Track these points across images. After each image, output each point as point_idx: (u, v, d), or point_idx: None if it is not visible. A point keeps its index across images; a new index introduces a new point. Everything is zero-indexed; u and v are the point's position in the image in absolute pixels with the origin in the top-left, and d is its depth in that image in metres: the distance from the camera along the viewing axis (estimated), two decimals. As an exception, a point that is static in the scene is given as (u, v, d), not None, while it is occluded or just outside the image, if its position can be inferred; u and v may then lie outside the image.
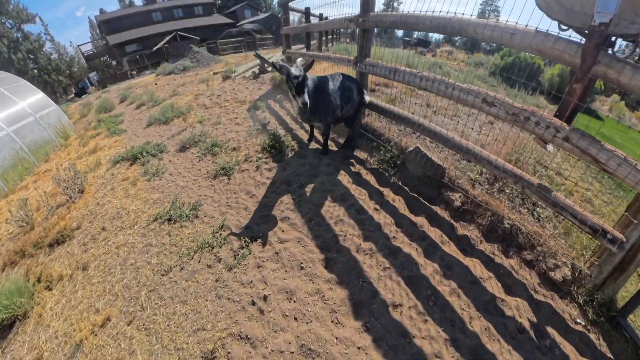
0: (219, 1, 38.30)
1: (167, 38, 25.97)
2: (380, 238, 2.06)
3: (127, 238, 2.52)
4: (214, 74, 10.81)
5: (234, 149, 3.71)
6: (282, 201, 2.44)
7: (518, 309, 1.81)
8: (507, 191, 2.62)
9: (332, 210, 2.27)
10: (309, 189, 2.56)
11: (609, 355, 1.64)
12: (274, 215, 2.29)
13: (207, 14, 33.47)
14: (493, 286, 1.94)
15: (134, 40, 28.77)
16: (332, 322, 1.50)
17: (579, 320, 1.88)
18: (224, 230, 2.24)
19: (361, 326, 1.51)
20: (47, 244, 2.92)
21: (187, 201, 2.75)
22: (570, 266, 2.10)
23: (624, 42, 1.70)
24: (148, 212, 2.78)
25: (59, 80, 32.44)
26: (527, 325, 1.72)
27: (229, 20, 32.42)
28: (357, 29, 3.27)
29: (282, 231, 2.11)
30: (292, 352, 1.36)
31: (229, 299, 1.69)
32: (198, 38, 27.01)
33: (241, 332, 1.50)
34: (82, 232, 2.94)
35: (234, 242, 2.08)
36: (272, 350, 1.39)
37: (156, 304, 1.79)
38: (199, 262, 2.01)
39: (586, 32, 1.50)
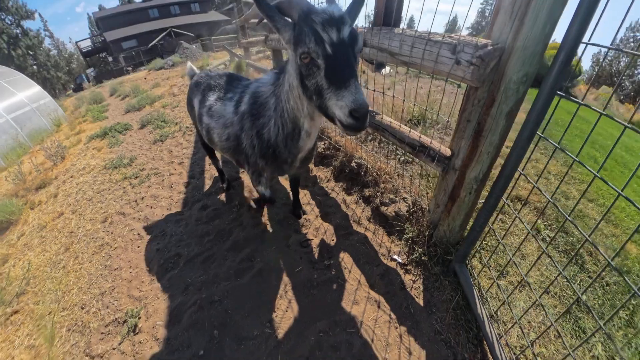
0: (216, -2, 39.45)
1: (162, 35, 27.37)
2: (232, 172, 3.28)
3: (85, 178, 3.83)
4: (198, 68, 12.06)
5: (176, 123, 5.01)
6: (185, 153, 3.72)
7: (317, 230, 2.04)
8: (380, 138, 2.81)
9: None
10: (207, 146, 3.84)
11: (418, 300, 1.52)
12: (174, 161, 3.58)
13: (203, 11, 34.73)
14: (304, 208, 2.27)
15: (131, 37, 30.09)
16: (167, 208, 2.71)
17: (395, 257, 1.74)
18: (141, 171, 3.53)
19: (177, 213, 2.65)
20: (34, 188, 4.25)
21: (129, 156, 4.05)
22: (410, 203, 1.99)
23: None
24: (102, 164, 4.09)
25: (58, 76, 33.77)
26: (315, 243, 1.96)
27: (225, 17, 33.59)
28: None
29: (174, 169, 3.39)
30: (140, 219, 2.60)
31: (124, 199, 2.98)
32: (192, 35, 28.39)
33: (122, 211, 2.79)
34: (57, 180, 4.26)
35: (142, 175, 3.38)
36: (133, 218, 2.65)
37: (88, 204, 3.10)
38: (119, 185, 3.30)
39: None
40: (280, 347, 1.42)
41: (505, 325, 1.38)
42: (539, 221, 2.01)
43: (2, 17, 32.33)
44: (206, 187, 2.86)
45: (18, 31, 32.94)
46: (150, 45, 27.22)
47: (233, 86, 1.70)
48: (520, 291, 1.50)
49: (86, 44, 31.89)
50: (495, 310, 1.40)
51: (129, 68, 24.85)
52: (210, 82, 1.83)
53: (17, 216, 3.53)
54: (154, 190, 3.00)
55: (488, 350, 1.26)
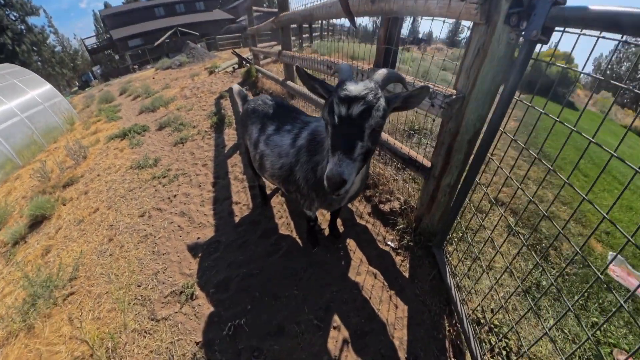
0: (222, -4, 40.28)
1: (168, 34, 28.12)
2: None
3: (113, 177, 4.25)
4: (205, 69, 12.55)
5: (194, 127, 5.43)
6: (207, 156, 4.12)
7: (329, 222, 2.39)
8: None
9: (233, 160, 3.93)
10: (227, 148, 4.24)
11: (405, 274, 1.98)
12: (198, 163, 3.98)
13: (208, 10, 35.57)
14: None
15: (137, 35, 30.95)
16: (200, 204, 3.11)
17: (389, 243, 2.20)
18: (168, 171, 3.94)
19: (211, 209, 3.05)
20: (62, 185, 4.68)
21: (153, 157, 4.46)
22: (402, 201, 2.53)
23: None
24: (127, 164, 4.51)
25: (62, 72, 34.61)
26: (326, 231, 2.41)
27: (229, 16, 34.39)
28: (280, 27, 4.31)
29: (200, 170, 3.79)
30: (177, 214, 3.00)
31: (158, 197, 3.38)
32: (197, 34, 29.11)
33: (158, 207, 3.18)
34: (84, 178, 4.68)
35: (171, 175, 3.78)
36: (170, 212, 3.04)
37: (122, 201, 3.51)
38: (149, 184, 3.71)
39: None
40: (305, 301, 1.89)
41: (469, 294, 1.84)
42: (511, 219, 2.41)
43: (7, 13, 33.27)
44: (233, 187, 3.25)
45: (22, 27, 33.88)
46: (156, 44, 27.96)
47: (291, 118, 1.83)
48: (487, 273, 1.85)
49: (91, 42, 32.73)
50: (459, 281, 1.86)
51: (135, 66, 25.56)
52: (268, 112, 1.97)
53: (51, 211, 3.94)
54: (184, 189, 3.40)
55: (454, 308, 1.72)
